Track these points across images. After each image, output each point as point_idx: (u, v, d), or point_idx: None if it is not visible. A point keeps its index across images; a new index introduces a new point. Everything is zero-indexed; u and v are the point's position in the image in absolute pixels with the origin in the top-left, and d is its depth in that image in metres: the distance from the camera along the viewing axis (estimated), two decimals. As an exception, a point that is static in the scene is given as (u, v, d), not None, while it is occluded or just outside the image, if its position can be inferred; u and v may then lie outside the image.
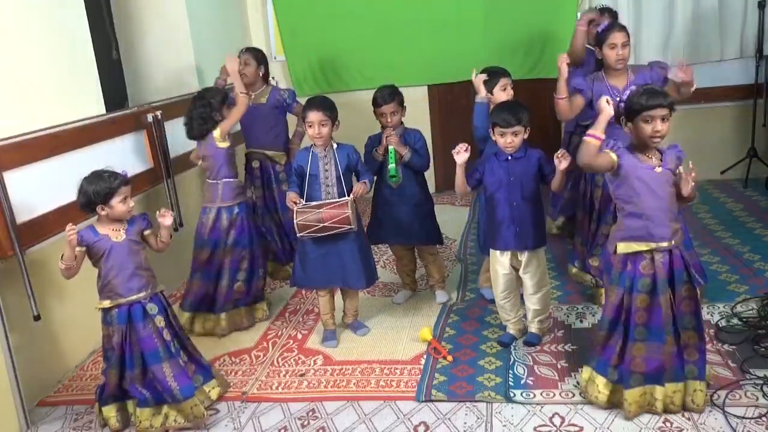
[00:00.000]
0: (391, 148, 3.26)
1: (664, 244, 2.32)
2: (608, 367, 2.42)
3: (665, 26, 5.19)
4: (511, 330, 3.04)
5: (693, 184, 2.31)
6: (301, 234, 2.95)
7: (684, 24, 5.14)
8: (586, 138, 2.34)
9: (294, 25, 5.50)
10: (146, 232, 2.66)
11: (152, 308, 2.58)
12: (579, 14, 5.10)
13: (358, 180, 3.11)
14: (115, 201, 2.50)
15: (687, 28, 5.15)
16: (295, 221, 2.93)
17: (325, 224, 2.92)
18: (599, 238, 3.24)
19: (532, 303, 2.98)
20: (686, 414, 2.39)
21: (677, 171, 2.33)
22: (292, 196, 3.00)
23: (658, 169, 2.31)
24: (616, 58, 3.03)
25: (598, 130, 2.34)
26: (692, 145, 5.17)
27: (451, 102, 5.63)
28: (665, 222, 2.31)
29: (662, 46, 5.21)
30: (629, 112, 2.33)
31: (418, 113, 5.54)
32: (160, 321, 2.58)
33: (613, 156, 2.32)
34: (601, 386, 2.45)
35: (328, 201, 2.98)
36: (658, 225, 2.31)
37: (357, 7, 5.40)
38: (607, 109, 2.35)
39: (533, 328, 3.01)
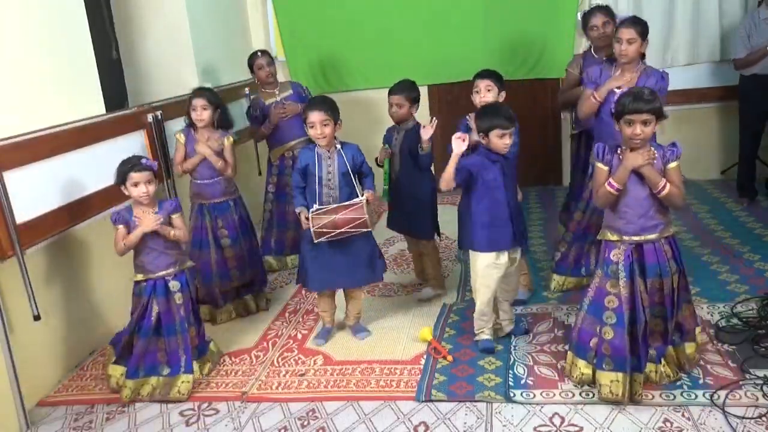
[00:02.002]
0: (386, 167, 3.36)
1: (636, 238, 2.48)
2: (587, 352, 2.58)
3: (665, 26, 5.19)
4: (487, 335, 2.99)
5: (665, 187, 2.41)
6: (318, 240, 2.92)
7: (684, 24, 5.14)
8: (607, 187, 2.47)
9: (294, 25, 5.50)
10: (174, 216, 2.87)
11: (174, 285, 2.84)
12: (579, 14, 5.13)
13: (360, 180, 3.10)
14: (128, 183, 2.76)
15: (687, 28, 5.15)
16: (311, 228, 2.89)
17: (342, 230, 2.89)
18: (592, 227, 3.28)
19: (513, 285, 3.02)
20: (686, 414, 2.39)
21: (664, 168, 2.45)
22: (302, 213, 2.98)
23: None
24: (619, 52, 3.10)
25: (618, 181, 2.44)
26: (692, 145, 5.18)
27: (451, 102, 5.63)
28: (634, 219, 2.47)
29: (662, 46, 5.21)
30: (616, 111, 2.44)
31: (418, 113, 5.53)
32: (179, 298, 2.84)
33: (605, 167, 2.50)
34: (582, 368, 2.60)
35: (342, 204, 2.94)
36: (626, 221, 2.49)
37: (357, 7, 5.40)
38: (631, 160, 2.41)
39: (510, 322, 3.06)
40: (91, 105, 3.29)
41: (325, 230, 2.90)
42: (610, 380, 2.48)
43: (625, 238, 2.49)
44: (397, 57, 5.39)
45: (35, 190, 2.82)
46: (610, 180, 2.46)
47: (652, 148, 2.43)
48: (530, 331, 3.09)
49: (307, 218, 2.92)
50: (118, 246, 2.79)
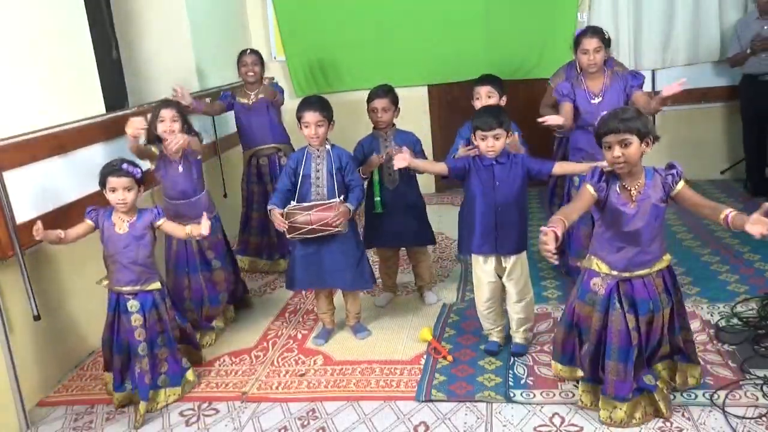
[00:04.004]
0: (376, 179, 3.29)
1: (626, 274, 2.31)
2: (564, 356, 2.59)
3: (665, 26, 5.19)
4: (495, 338, 2.98)
5: (726, 213, 2.30)
6: (291, 236, 2.95)
7: (684, 24, 5.14)
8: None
9: (294, 25, 5.50)
10: (158, 222, 2.71)
11: (132, 306, 2.69)
12: (579, 14, 5.14)
13: (347, 192, 3.06)
14: (107, 188, 2.63)
15: (687, 28, 5.15)
16: (285, 223, 2.92)
17: (314, 226, 2.91)
18: (582, 239, 3.27)
19: (515, 312, 2.91)
20: (686, 414, 2.39)
21: (670, 196, 2.26)
22: (273, 210, 2.95)
23: (632, 206, 2.26)
24: (588, 62, 3.20)
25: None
26: (692, 145, 5.18)
27: (451, 102, 5.63)
28: (629, 254, 2.30)
29: (662, 46, 5.21)
30: (596, 136, 2.28)
31: (418, 113, 5.54)
32: (136, 320, 2.68)
33: (593, 192, 2.27)
34: (558, 369, 2.63)
35: (318, 202, 2.97)
36: (621, 255, 2.31)
37: (357, 8, 5.40)
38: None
39: (518, 338, 2.95)
40: (91, 105, 3.29)
41: (297, 225, 2.92)
42: (582, 390, 2.49)
43: (614, 273, 2.32)
44: (397, 57, 5.40)
45: (35, 190, 2.82)
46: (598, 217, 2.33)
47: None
48: (528, 353, 2.97)
49: (282, 214, 2.93)
50: (62, 231, 2.61)
